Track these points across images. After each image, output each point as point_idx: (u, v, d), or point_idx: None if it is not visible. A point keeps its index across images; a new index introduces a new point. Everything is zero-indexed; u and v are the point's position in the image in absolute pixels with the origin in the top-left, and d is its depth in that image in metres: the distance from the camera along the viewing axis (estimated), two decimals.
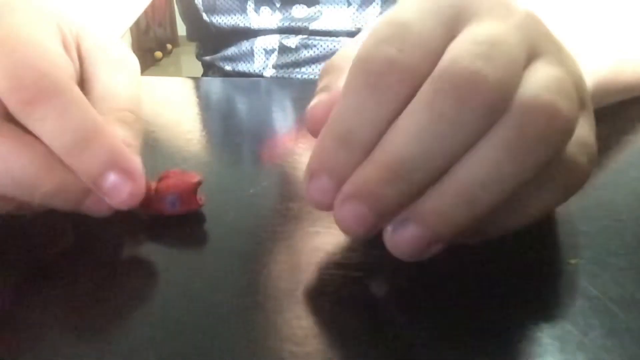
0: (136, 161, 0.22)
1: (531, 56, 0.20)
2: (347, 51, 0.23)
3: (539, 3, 0.33)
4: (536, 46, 0.20)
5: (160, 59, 3.33)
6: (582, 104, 0.21)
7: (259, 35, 0.58)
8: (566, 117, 0.18)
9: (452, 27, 0.20)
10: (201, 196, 0.25)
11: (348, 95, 0.19)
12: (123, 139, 0.23)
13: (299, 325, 0.18)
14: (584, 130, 0.21)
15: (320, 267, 0.21)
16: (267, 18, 0.57)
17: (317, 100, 0.22)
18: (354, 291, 0.20)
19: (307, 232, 0.23)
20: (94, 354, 0.17)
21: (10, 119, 0.22)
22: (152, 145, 0.32)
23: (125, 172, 0.22)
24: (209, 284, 0.20)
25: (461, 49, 0.19)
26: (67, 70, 0.23)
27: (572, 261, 0.21)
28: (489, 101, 0.17)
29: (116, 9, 0.54)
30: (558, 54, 0.21)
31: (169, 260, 0.22)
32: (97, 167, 0.21)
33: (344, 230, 0.19)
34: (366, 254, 0.22)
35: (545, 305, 0.19)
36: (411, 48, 0.19)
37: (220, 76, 0.64)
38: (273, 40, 0.58)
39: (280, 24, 0.57)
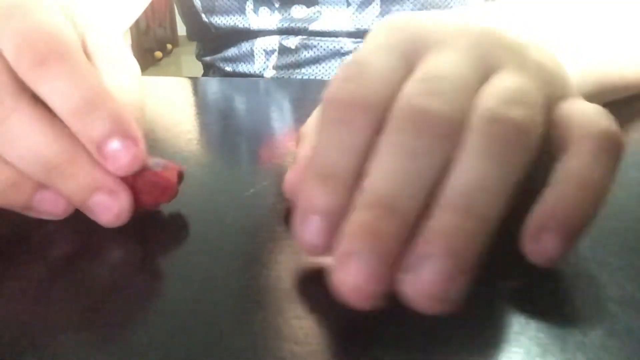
0: (137, 128, 0.23)
1: (488, 72, 0.22)
2: (315, 118, 0.25)
3: (543, 4, 0.33)
4: (493, 62, 0.22)
5: (160, 59, 3.33)
6: (557, 99, 0.23)
7: (259, 36, 0.58)
8: (519, 123, 0.19)
9: (409, 59, 0.22)
10: (177, 190, 0.24)
11: (321, 133, 0.21)
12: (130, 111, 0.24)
13: (299, 325, 0.18)
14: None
15: (321, 267, 0.21)
16: (266, 19, 0.57)
17: (290, 170, 0.23)
18: None
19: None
20: (93, 354, 0.17)
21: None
22: (152, 145, 0.32)
23: (128, 137, 0.22)
24: (209, 284, 0.20)
25: (412, 87, 0.20)
26: (75, 38, 0.24)
27: (571, 261, 0.21)
28: (440, 129, 0.19)
29: (116, 10, 0.54)
30: (521, 62, 0.22)
31: (168, 261, 0.22)
32: (102, 131, 0.22)
33: (353, 296, 0.18)
34: None
35: (545, 305, 0.19)
36: (370, 81, 0.21)
37: (220, 77, 0.64)
38: (273, 41, 0.58)
39: (279, 25, 0.57)
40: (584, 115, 0.22)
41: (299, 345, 0.18)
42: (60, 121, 0.22)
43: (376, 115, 0.20)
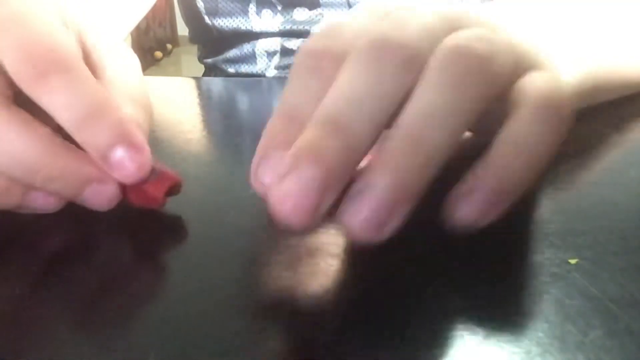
0: (142, 136, 0.23)
1: (453, 30, 0.21)
2: None
3: (542, 3, 0.33)
4: (459, 25, 0.22)
5: (160, 59, 3.33)
6: (526, 68, 0.22)
7: (261, 38, 0.59)
8: (482, 54, 0.19)
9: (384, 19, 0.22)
10: (167, 200, 0.24)
11: (292, 79, 0.21)
12: (134, 119, 0.24)
13: (299, 325, 0.18)
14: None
15: (321, 267, 0.21)
16: (269, 21, 0.57)
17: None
18: (354, 291, 0.20)
19: (307, 232, 0.23)
20: (94, 353, 0.17)
21: (15, 102, 0.22)
22: (152, 145, 0.32)
23: (133, 146, 0.22)
24: (209, 284, 0.21)
25: (377, 25, 0.21)
26: (74, 48, 0.24)
27: (572, 261, 0.21)
28: (400, 58, 0.19)
29: (118, 12, 0.54)
30: (491, 30, 0.22)
31: (168, 260, 0.22)
32: (106, 141, 0.22)
33: (289, 211, 0.17)
34: (367, 254, 0.22)
35: (545, 305, 0.19)
36: (344, 37, 0.22)
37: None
38: (274, 43, 0.58)
39: (281, 27, 0.57)
40: (532, 83, 0.21)
41: (299, 345, 0.18)
42: (38, 123, 0.22)
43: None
